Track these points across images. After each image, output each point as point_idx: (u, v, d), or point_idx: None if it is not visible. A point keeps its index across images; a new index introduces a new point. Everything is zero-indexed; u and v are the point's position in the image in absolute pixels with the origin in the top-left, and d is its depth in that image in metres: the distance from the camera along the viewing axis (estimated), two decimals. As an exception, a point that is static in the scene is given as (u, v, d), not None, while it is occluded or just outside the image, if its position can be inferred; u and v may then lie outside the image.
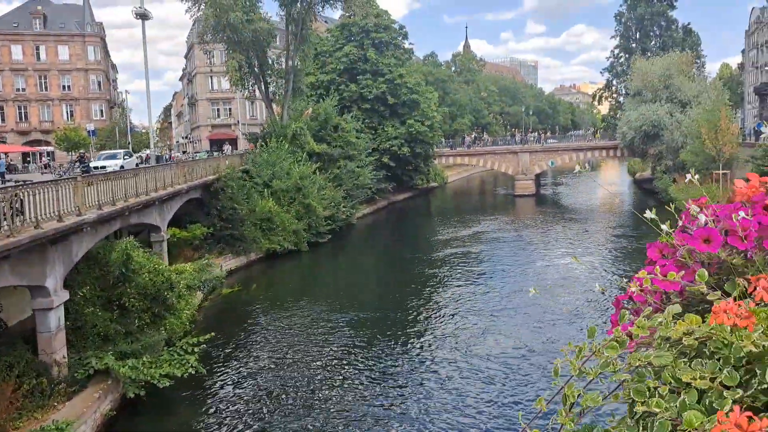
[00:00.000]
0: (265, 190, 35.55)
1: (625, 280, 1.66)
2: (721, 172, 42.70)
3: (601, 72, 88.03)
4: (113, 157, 32.33)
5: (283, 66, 43.39)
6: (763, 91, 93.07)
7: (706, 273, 1.35)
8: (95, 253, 17.79)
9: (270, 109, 43.88)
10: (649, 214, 1.80)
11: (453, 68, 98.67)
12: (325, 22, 67.89)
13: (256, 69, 41.84)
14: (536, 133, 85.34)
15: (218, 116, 74.70)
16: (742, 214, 1.50)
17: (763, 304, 1.16)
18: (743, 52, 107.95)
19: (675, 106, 53.74)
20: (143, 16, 29.58)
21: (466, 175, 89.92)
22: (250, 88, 43.21)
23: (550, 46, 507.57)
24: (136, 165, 30.44)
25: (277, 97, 44.21)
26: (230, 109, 73.87)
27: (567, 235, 40.32)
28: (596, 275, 27.88)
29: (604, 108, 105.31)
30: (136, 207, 19.82)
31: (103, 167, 26.60)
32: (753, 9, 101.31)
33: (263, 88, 42.80)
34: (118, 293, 17.45)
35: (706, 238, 1.42)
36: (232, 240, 31.37)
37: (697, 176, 1.97)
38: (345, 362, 19.24)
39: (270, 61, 43.17)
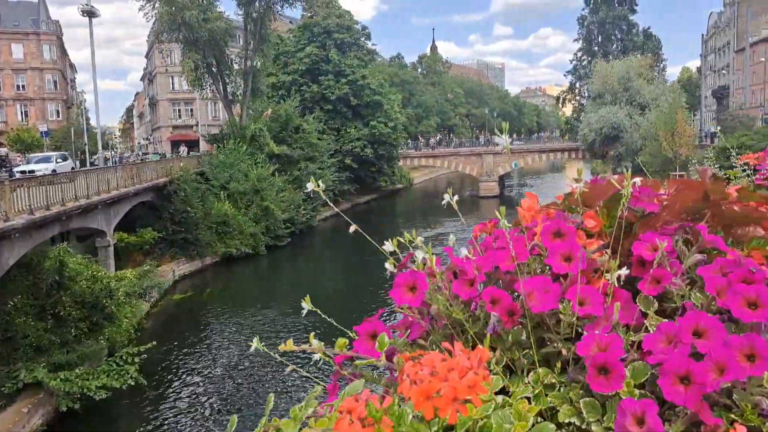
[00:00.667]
0: (222, 192, 34.78)
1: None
2: (677, 173, 43.39)
3: (564, 74, 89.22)
4: (46, 160, 31.00)
5: (242, 66, 42.58)
6: (720, 94, 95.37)
7: (386, 338, 0.98)
8: (29, 260, 16.99)
9: (229, 110, 43.06)
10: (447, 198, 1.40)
11: (419, 70, 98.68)
12: (290, 22, 67.13)
13: (214, 69, 40.99)
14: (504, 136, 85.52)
15: (179, 117, 73.24)
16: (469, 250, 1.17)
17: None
18: (702, 56, 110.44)
19: (634, 108, 54.60)
20: (90, 13, 28.65)
21: (434, 176, 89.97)
22: (208, 88, 42.29)
23: (518, 49, 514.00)
24: (72, 169, 29.21)
25: (236, 97, 43.39)
26: (192, 110, 72.47)
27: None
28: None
29: (568, 110, 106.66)
30: (74, 211, 19.01)
31: (32, 171, 25.42)
32: (711, 14, 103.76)
33: (221, 88, 41.96)
34: (53, 302, 16.69)
35: (412, 286, 1.05)
36: (185, 244, 30.58)
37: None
38: (301, 366, 18.77)
39: (229, 61, 42.34)
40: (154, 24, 43.47)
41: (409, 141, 75.12)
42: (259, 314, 24.17)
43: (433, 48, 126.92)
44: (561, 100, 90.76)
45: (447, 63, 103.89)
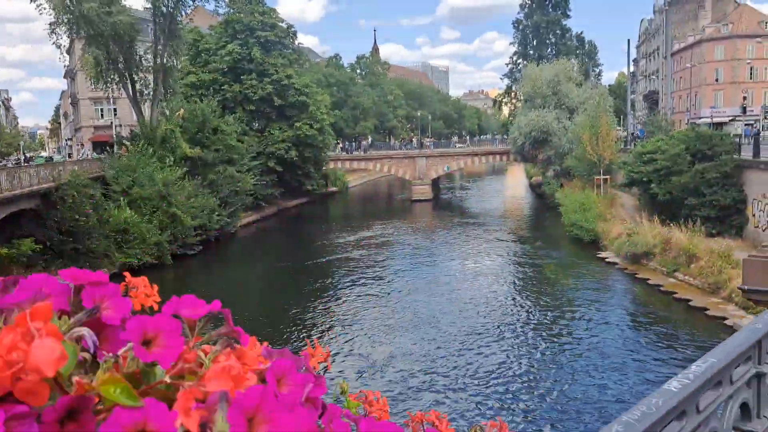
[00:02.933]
0: (123, 198, 32.42)
1: None
2: (601, 177, 43.47)
3: (501, 77, 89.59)
4: None
5: (153, 63, 40.13)
6: (651, 99, 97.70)
7: None
8: None
9: (137, 110, 40.52)
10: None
11: (358, 71, 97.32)
12: (218, 14, 64.51)
13: (120, 65, 38.46)
14: (442, 138, 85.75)
15: (101, 117, 69.47)
16: None
17: None
18: (635, 61, 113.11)
19: (563, 112, 54.59)
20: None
21: (371, 179, 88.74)
22: (114, 86, 39.69)
23: (464, 52, 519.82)
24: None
25: (146, 96, 40.91)
26: (115, 110, 68.91)
27: (455, 240, 39.68)
28: (473, 280, 27.19)
29: (506, 113, 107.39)
30: None
31: None
32: (642, 20, 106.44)
33: (129, 86, 39.43)
34: None
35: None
36: (77, 255, 28.14)
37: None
38: None
39: (138, 58, 39.84)
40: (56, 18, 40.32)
41: (346, 143, 73.67)
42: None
43: (375, 49, 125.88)
44: (498, 103, 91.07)
45: (386, 64, 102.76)
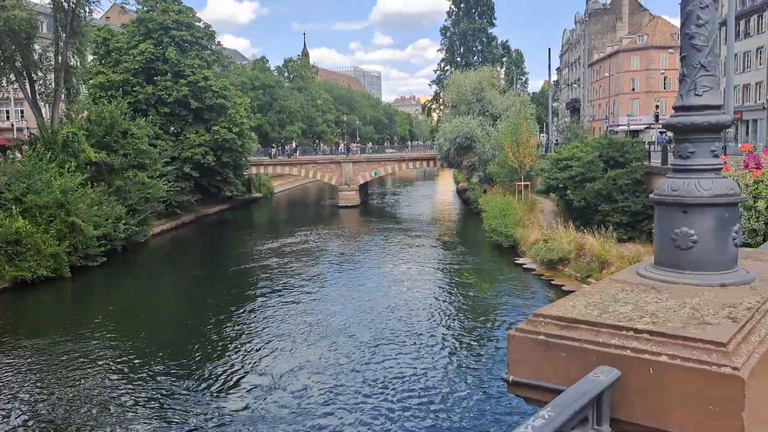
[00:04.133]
0: (16, 207, 29.87)
1: None
2: (522, 183, 43.90)
3: (429, 84, 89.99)
4: None
5: (54, 63, 37.49)
6: (573, 107, 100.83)
7: None
8: None
9: (37, 112, 37.71)
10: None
11: (286, 74, 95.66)
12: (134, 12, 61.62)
13: (17, 64, 35.68)
14: (370, 144, 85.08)
15: (6, 119, 65.00)
16: None
17: None
18: (558, 70, 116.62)
19: (487, 119, 55.08)
20: None
21: (299, 184, 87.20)
22: (10, 86, 36.83)
23: (397, 58, 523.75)
24: None
25: (47, 98, 38.18)
26: (22, 111, 64.61)
27: (377, 247, 39.03)
28: (399, 286, 26.52)
29: (435, 119, 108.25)
30: None
31: None
32: (565, 31, 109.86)
33: (27, 86, 36.65)
34: None
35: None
36: (-43, 269, 25.63)
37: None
38: (96, 402, 15.79)
39: (38, 57, 37.13)
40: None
41: (271, 148, 71.87)
42: (60, 346, 20.40)
43: (305, 53, 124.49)
44: (427, 110, 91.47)
45: (314, 68, 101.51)
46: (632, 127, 72.06)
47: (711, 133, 2.69)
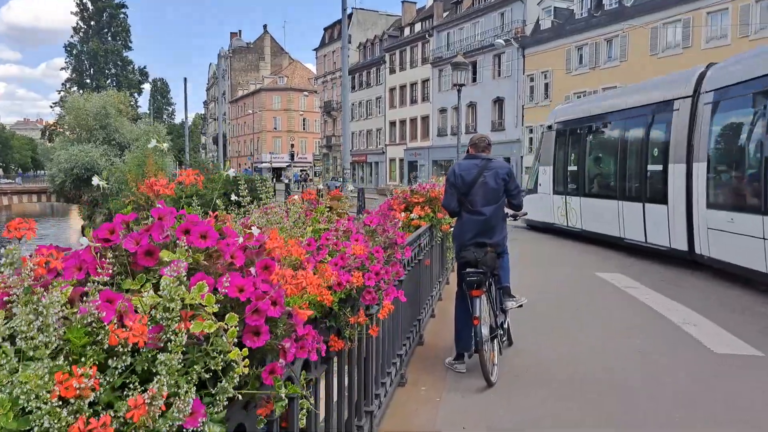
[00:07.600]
0: None
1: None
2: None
3: (51, 106, 77.74)
4: None
5: None
6: (219, 141, 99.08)
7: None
8: None
9: None
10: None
11: None
12: None
13: None
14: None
15: None
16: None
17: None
18: (205, 103, 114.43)
19: (113, 148, 48.64)
20: None
21: None
22: None
23: (27, 76, 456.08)
24: None
25: None
26: None
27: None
28: None
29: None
30: None
31: None
32: (211, 65, 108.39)
33: None
34: None
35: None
36: None
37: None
38: None
39: None
40: None
41: None
42: None
43: None
44: (48, 134, 78.54)
45: None
46: (275, 165, 73.18)
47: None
